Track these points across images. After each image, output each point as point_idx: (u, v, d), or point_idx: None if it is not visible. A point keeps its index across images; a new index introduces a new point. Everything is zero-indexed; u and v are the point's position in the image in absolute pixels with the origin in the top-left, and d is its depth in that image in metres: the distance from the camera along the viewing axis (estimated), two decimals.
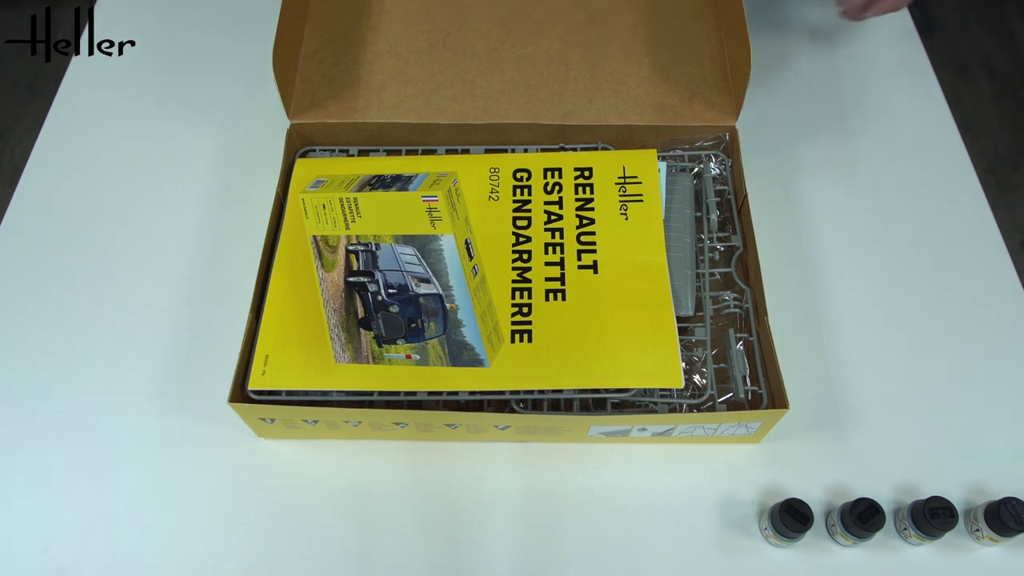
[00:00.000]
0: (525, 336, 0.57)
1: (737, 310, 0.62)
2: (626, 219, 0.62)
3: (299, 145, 0.69)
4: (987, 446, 0.60)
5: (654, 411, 0.58)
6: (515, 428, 0.57)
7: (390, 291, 0.59)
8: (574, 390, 0.57)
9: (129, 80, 0.81)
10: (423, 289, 0.59)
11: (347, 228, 0.61)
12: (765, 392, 0.58)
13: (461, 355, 0.56)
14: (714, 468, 0.59)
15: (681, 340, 0.59)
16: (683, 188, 0.66)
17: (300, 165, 0.66)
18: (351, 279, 0.59)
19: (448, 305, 0.58)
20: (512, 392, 0.57)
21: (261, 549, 0.56)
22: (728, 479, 0.59)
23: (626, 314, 0.58)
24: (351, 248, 0.61)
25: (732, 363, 0.60)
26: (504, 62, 0.70)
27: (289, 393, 0.57)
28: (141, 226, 0.71)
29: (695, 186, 0.67)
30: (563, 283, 0.59)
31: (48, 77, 1.78)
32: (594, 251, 0.61)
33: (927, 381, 0.63)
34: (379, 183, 0.63)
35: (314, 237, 0.61)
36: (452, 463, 0.59)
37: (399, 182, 0.63)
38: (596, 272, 0.60)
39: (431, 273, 0.59)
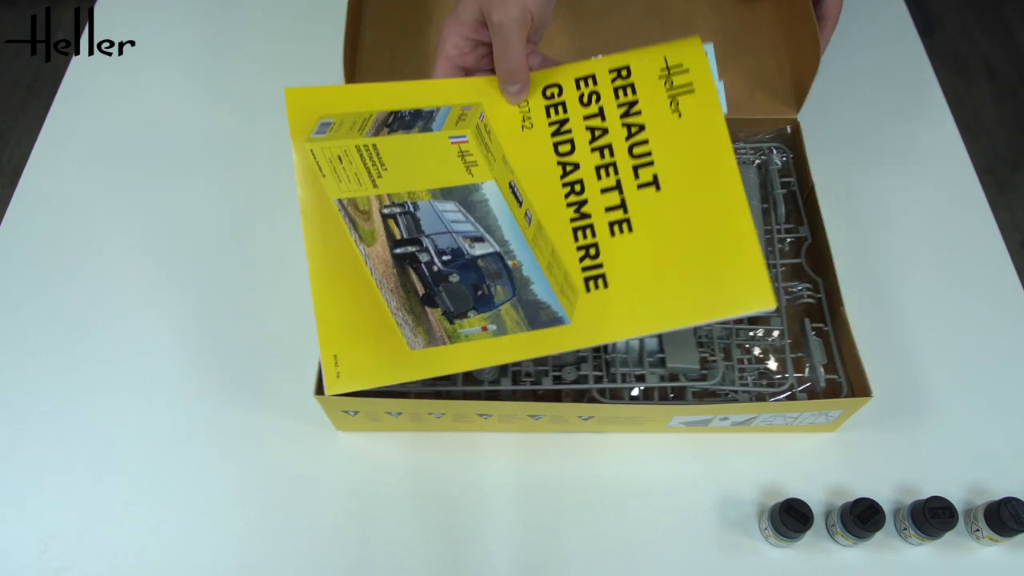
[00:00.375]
0: (599, 282, 0.53)
1: (811, 300, 0.63)
2: (679, 116, 0.54)
3: None
4: (987, 446, 0.60)
5: (736, 400, 0.58)
6: (598, 419, 0.57)
7: (444, 258, 0.53)
8: (658, 378, 0.57)
9: (129, 80, 0.81)
10: (478, 249, 0.53)
11: (374, 186, 0.52)
12: (844, 380, 0.59)
13: (538, 316, 0.52)
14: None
15: (757, 329, 0.61)
16: (748, 180, 0.66)
17: (291, 96, 0.55)
18: (398, 251, 0.53)
19: (510, 262, 0.53)
20: (596, 380, 0.57)
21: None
22: (728, 479, 0.59)
23: (701, 234, 0.52)
24: (386, 212, 0.52)
25: (810, 352, 0.60)
26: (563, 54, 0.70)
27: (363, 393, 0.54)
28: (141, 226, 0.71)
29: (759, 178, 0.68)
30: (625, 210, 0.53)
31: (48, 77, 1.78)
32: (651, 162, 0.53)
33: (927, 381, 0.63)
34: (397, 123, 0.53)
35: (340, 202, 0.53)
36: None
37: (420, 120, 0.54)
38: (658, 188, 0.53)
39: (482, 229, 0.52)
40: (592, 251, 0.53)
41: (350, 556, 0.56)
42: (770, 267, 0.62)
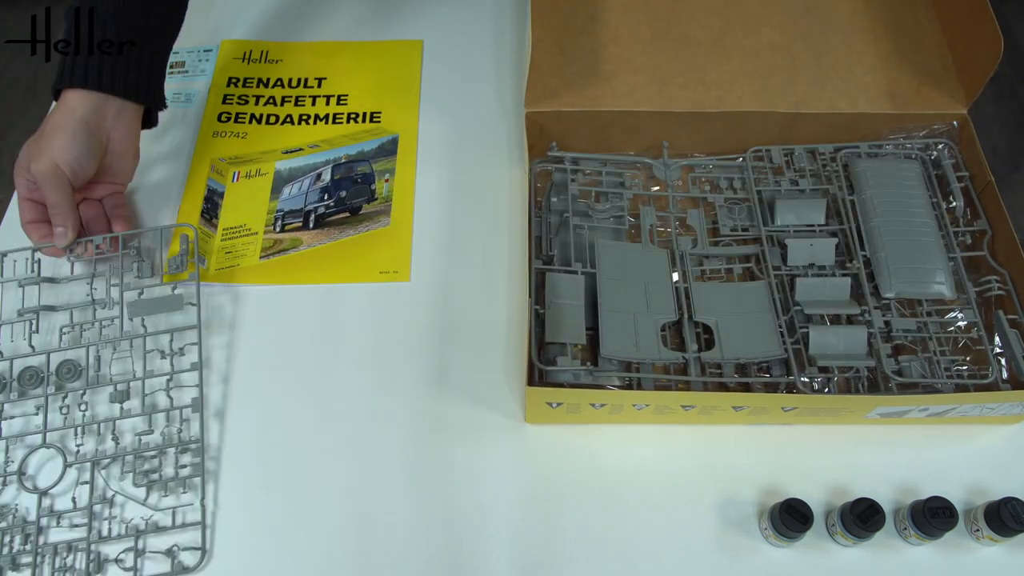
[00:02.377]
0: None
1: (1001, 292, 0.63)
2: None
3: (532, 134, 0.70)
4: (987, 446, 0.60)
5: (939, 391, 0.58)
6: (801, 410, 0.57)
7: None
8: (866, 370, 0.59)
9: None
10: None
11: None
12: None
13: None
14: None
15: (948, 320, 0.62)
16: (915, 174, 0.67)
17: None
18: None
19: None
20: (799, 373, 0.58)
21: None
22: (728, 479, 0.59)
23: None
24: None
25: (1008, 343, 0.60)
26: (729, 52, 0.72)
27: (571, 384, 0.58)
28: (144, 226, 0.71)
29: (934, 173, 0.69)
30: None
31: (48, 77, 1.79)
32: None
33: None
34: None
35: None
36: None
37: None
38: None
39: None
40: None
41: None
42: (949, 260, 0.64)
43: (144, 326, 0.62)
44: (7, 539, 0.56)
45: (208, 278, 0.67)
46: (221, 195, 0.72)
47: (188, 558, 0.55)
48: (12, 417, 0.61)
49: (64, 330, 0.63)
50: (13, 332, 0.64)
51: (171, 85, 0.80)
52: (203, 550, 0.55)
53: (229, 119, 0.77)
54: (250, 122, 0.77)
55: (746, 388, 0.60)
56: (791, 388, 0.59)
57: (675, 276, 0.63)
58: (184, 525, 0.56)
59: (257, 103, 0.79)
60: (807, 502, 0.53)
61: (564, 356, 0.58)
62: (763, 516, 0.56)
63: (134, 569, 0.55)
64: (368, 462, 0.59)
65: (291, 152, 0.75)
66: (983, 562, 0.56)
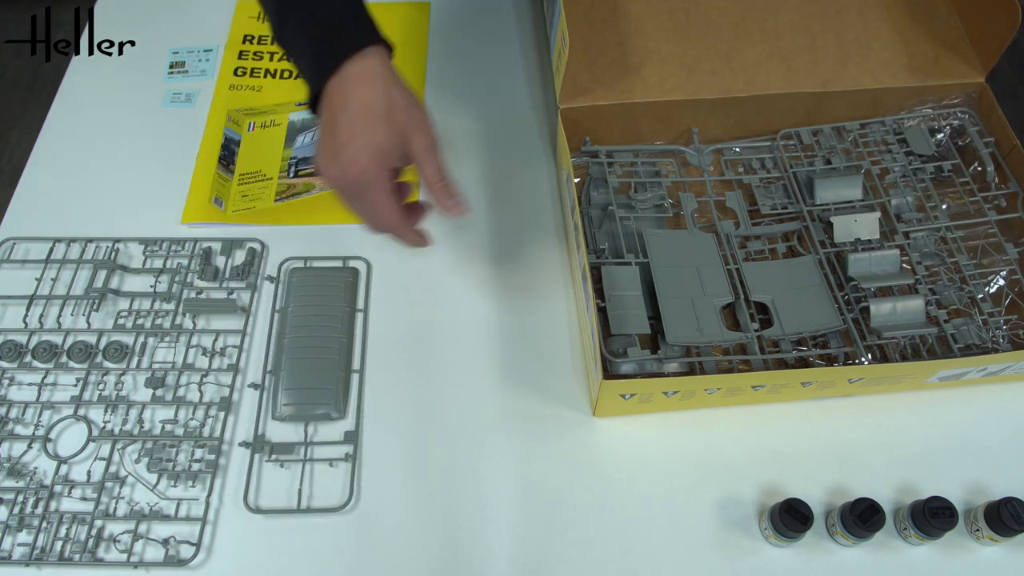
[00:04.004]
0: None
1: None
2: None
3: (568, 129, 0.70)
4: (987, 446, 0.60)
5: (996, 350, 0.60)
6: (866, 380, 0.58)
7: None
8: (933, 337, 0.61)
9: (129, 80, 0.81)
10: None
11: None
12: None
13: None
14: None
15: (991, 283, 0.63)
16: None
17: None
18: None
19: None
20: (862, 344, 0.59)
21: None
22: (728, 479, 0.59)
23: None
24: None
25: None
26: (751, 35, 0.72)
27: (638, 375, 0.59)
28: (142, 227, 0.71)
29: (959, 142, 0.71)
30: None
31: (48, 77, 1.79)
32: None
33: None
34: None
35: None
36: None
37: None
38: None
39: None
40: None
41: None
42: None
43: (194, 323, 0.65)
44: (20, 498, 0.57)
45: (226, 219, 0.71)
46: (237, 143, 0.76)
47: (183, 551, 0.56)
48: (54, 384, 0.62)
49: (122, 314, 0.65)
50: (76, 308, 0.66)
51: (171, 85, 0.80)
52: (198, 545, 0.56)
53: (245, 73, 0.81)
54: (264, 77, 0.81)
55: (804, 362, 0.60)
56: (849, 359, 0.60)
57: (725, 258, 0.64)
58: (188, 518, 0.57)
59: (271, 59, 0.82)
60: (807, 502, 0.53)
61: (634, 347, 0.59)
62: (763, 516, 0.56)
63: (129, 552, 0.55)
64: (370, 459, 0.59)
65: (304, 104, 0.77)
66: (983, 562, 0.56)
